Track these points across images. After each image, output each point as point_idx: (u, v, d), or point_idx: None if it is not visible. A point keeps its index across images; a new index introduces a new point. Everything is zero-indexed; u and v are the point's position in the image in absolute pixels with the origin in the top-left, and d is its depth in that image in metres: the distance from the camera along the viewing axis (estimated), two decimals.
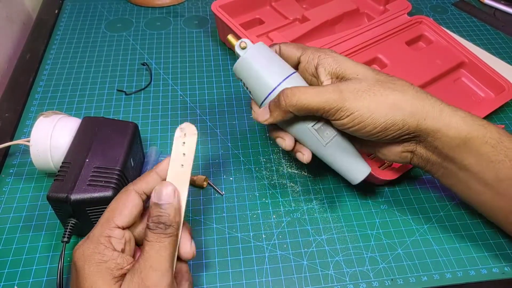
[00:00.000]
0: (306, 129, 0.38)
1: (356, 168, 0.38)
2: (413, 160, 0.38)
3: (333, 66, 0.37)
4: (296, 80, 0.38)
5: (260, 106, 0.39)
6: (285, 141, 0.39)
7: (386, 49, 0.55)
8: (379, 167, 0.45)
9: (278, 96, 0.36)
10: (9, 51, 0.66)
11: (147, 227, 0.30)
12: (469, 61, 0.55)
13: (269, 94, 0.37)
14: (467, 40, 0.66)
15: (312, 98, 0.34)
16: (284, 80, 0.37)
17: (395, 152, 0.38)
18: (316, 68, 0.38)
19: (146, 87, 0.57)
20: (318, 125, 0.37)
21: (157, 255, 0.29)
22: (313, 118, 0.37)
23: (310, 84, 0.39)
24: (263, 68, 0.38)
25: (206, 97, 0.56)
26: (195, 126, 0.34)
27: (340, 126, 0.36)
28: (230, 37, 0.40)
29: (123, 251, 0.30)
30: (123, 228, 0.31)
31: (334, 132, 0.37)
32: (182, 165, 0.33)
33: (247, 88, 0.39)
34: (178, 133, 0.33)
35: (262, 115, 0.38)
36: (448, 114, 0.34)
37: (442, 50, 0.57)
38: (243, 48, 0.38)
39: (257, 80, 0.38)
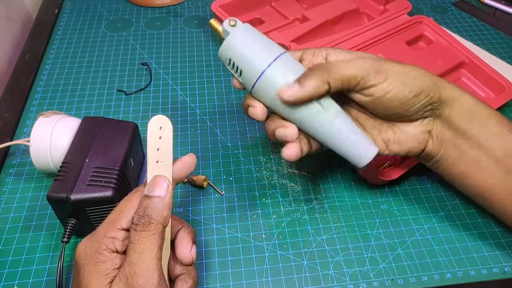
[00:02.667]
0: (312, 107, 0.35)
1: (364, 148, 0.36)
2: (428, 145, 0.37)
3: (345, 56, 0.36)
4: (291, 56, 0.36)
5: (252, 87, 0.35)
6: (257, 109, 0.36)
7: (386, 49, 0.55)
8: (379, 167, 0.45)
9: (319, 67, 0.34)
10: (9, 51, 0.65)
11: (131, 221, 0.29)
12: (469, 61, 0.55)
13: (265, 69, 0.34)
14: (467, 40, 0.66)
15: (356, 66, 0.34)
16: (283, 53, 0.35)
17: (414, 134, 0.37)
18: (326, 59, 0.37)
19: (146, 87, 0.57)
20: (324, 101, 0.35)
21: (140, 259, 0.28)
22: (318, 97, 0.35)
23: None
24: (258, 42, 0.35)
25: (206, 97, 0.56)
26: (168, 117, 0.32)
27: (377, 93, 0.34)
28: (214, 22, 0.37)
29: (124, 253, 0.30)
30: (129, 230, 0.30)
31: (339, 107, 0.35)
32: (162, 161, 0.31)
33: (237, 68, 0.35)
34: (153, 127, 0.31)
35: (290, 89, 0.33)
36: (455, 87, 0.37)
37: (442, 50, 0.57)
38: (233, 26, 0.35)
39: (253, 54, 0.34)
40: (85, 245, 0.30)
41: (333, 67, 0.34)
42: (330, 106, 0.35)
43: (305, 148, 0.36)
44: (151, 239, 0.28)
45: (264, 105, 0.36)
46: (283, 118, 0.36)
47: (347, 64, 0.34)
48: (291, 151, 0.35)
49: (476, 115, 0.36)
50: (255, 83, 0.35)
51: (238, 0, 0.61)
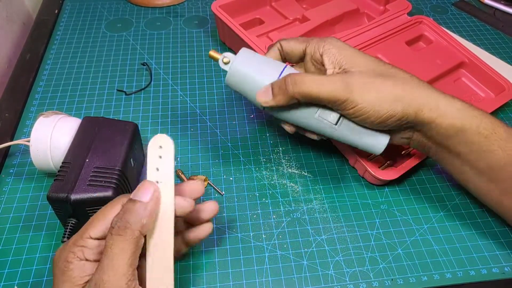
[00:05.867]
0: (313, 119, 0.38)
1: (375, 139, 0.38)
2: (411, 144, 0.40)
3: (337, 57, 0.38)
4: (290, 72, 0.38)
5: (263, 109, 0.40)
6: (290, 127, 0.41)
7: (386, 49, 0.55)
8: (379, 167, 0.45)
9: (285, 80, 0.36)
10: (9, 51, 0.66)
11: (111, 224, 0.28)
12: (469, 61, 0.55)
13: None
14: (467, 40, 0.66)
15: (321, 87, 0.35)
16: (279, 76, 0.38)
17: (393, 137, 0.39)
18: (321, 56, 0.39)
19: (146, 87, 0.57)
20: (322, 111, 0.38)
21: (110, 265, 0.27)
22: (314, 106, 0.38)
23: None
24: (253, 74, 0.38)
25: (206, 97, 0.56)
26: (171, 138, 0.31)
27: (346, 114, 0.37)
28: (212, 53, 0.40)
29: (95, 261, 0.29)
30: (100, 239, 0.29)
31: (337, 114, 0.38)
32: (161, 181, 0.30)
33: (245, 98, 0.40)
34: (153, 146, 0.30)
35: (264, 96, 0.37)
36: (444, 105, 0.36)
37: (442, 50, 0.57)
38: (227, 63, 0.39)
39: (253, 86, 0.38)
40: (58, 253, 0.29)
41: (303, 84, 0.35)
42: (330, 115, 0.38)
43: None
44: (124, 244, 0.27)
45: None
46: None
47: (319, 83, 0.35)
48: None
49: (462, 132, 0.36)
50: (263, 107, 0.39)
51: (238, 0, 0.61)
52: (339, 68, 0.38)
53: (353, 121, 0.38)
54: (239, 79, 0.38)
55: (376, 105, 0.35)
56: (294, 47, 0.40)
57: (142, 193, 0.29)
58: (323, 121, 0.38)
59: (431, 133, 0.37)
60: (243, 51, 0.39)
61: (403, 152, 0.47)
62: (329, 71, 0.38)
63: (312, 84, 0.35)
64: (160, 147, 0.30)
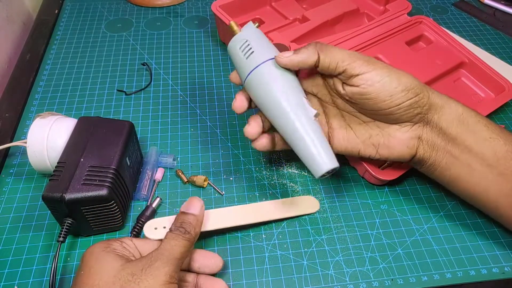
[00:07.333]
0: (300, 99, 0.37)
1: (322, 160, 0.35)
2: (419, 150, 0.38)
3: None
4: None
5: (252, 70, 0.37)
6: (236, 102, 0.40)
7: (386, 49, 0.55)
8: (379, 167, 0.45)
9: (314, 42, 0.37)
10: (9, 51, 0.66)
11: (169, 230, 0.34)
12: (469, 61, 0.55)
13: (272, 58, 0.38)
14: (467, 40, 0.66)
15: (346, 52, 0.37)
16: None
17: (403, 139, 0.38)
18: None
19: (146, 87, 0.57)
20: (306, 99, 0.38)
21: (169, 247, 0.32)
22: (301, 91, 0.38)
23: None
24: (269, 42, 0.40)
25: (206, 97, 0.56)
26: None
27: (364, 81, 0.36)
28: (233, 24, 0.41)
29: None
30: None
31: (312, 113, 0.36)
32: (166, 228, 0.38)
33: (249, 49, 0.38)
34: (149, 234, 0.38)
35: (286, 53, 0.37)
36: (443, 95, 0.39)
37: (442, 50, 0.57)
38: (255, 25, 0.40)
39: (268, 43, 0.39)
40: (92, 247, 0.34)
41: (326, 46, 0.37)
42: (304, 111, 0.36)
43: (271, 145, 0.41)
44: (184, 240, 0.33)
45: (252, 96, 0.39)
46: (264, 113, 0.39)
47: (338, 48, 0.37)
48: (259, 142, 0.40)
49: (465, 121, 0.37)
50: (257, 66, 0.37)
51: (238, 0, 0.61)
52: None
53: (362, 105, 0.37)
54: (257, 34, 0.39)
55: (398, 72, 0.36)
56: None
57: (193, 207, 0.36)
58: (304, 104, 0.36)
59: (441, 124, 0.37)
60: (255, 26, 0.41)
61: None
62: None
63: (336, 50, 0.37)
64: (155, 228, 0.38)
